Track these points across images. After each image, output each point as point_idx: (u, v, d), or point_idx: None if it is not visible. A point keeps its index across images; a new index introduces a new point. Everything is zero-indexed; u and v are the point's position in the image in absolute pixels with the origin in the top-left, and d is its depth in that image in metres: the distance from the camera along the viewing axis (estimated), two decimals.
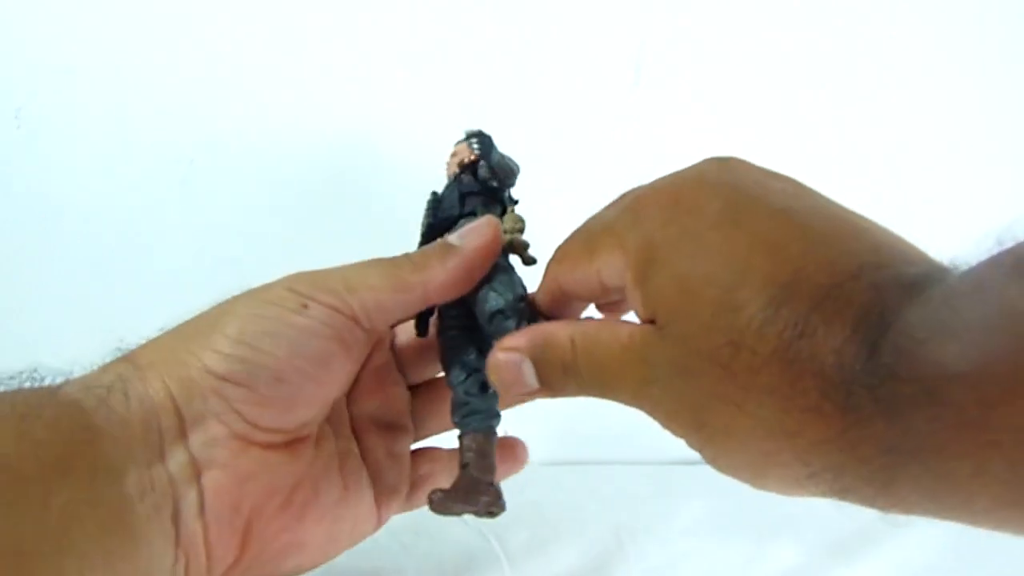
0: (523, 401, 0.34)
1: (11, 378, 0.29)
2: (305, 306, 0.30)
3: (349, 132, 0.65)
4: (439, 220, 0.37)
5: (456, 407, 0.36)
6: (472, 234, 0.34)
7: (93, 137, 0.65)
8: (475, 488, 0.34)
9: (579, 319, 0.34)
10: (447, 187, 0.38)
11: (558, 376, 0.30)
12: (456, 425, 0.36)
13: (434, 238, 0.36)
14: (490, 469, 0.35)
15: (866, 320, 0.21)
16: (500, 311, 0.33)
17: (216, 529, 0.29)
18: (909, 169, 0.67)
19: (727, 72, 0.67)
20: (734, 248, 0.24)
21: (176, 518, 0.28)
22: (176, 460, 0.28)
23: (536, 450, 0.41)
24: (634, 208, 0.29)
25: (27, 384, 0.29)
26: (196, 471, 0.29)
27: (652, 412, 0.27)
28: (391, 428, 0.38)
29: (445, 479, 0.37)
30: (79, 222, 0.65)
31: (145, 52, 0.65)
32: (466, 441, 0.35)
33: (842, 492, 0.23)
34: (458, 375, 0.36)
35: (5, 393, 0.28)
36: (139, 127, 0.65)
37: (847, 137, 0.67)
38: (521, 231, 0.37)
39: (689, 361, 0.24)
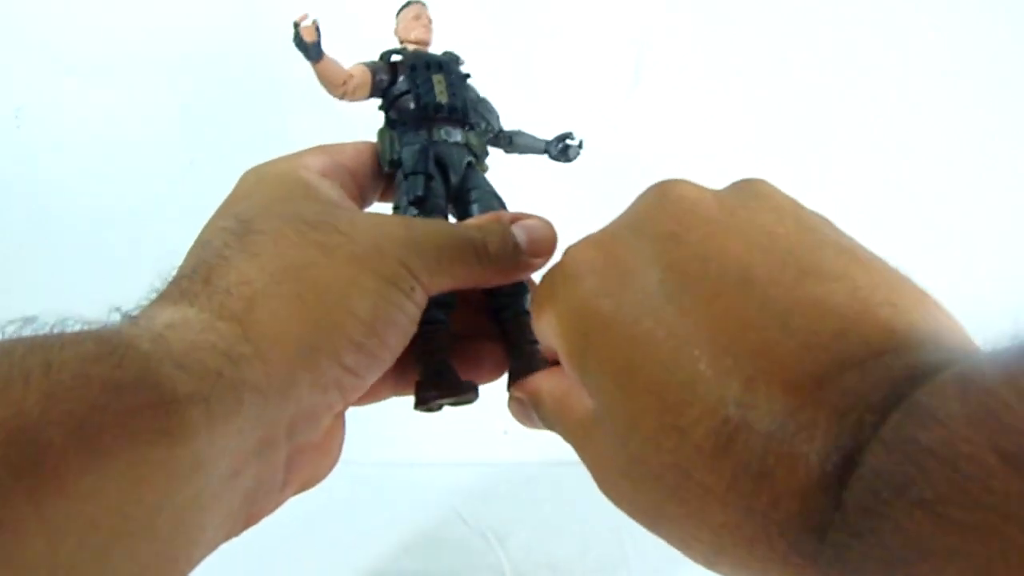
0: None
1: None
2: (413, 289, 0.27)
3: (349, 134, 0.65)
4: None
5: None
6: (541, 244, 0.30)
7: (93, 137, 0.65)
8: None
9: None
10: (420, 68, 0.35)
11: (550, 427, 0.28)
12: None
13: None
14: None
15: (837, 449, 0.17)
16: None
17: (286, 495, 0.27)
18: (908, 168, 0.67)
19: (726, 72, 0.67)
20: (675, 343, 0.20)
21: (250, 496, 0.25)
22: (275, 454, 0.25)
23: (537, 450, 0.41)
24: (567, 265, 0.25)
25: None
26: (291, 458, 0.26)
27: (612, 488, 0.24)
28: None
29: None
30: (79, 221, 0.65)
31: (145, 52, 0.65)
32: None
33: None
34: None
35: (63, 343, 0.20)
36: (139, 127, 0.65)
37: (846, 137, 0.67)
38: None
39: (633, 467, 0.21)
